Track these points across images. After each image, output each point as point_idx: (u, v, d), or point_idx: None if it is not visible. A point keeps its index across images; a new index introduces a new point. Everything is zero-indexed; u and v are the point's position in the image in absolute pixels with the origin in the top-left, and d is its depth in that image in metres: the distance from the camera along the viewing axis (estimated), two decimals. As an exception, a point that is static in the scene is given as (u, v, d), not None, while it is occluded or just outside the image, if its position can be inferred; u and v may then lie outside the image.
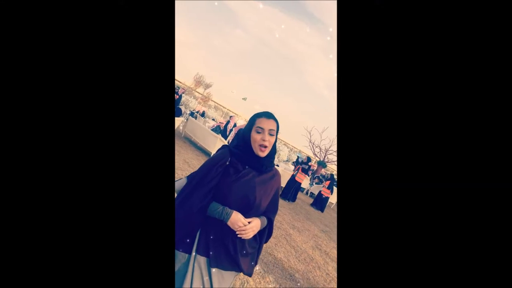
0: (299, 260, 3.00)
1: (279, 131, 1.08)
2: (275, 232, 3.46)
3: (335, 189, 8.56)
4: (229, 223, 0.95)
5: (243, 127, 1.16)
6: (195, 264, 0.96)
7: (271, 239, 3.12)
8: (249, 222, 0.98)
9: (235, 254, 0.99)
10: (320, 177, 11.27)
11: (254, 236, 1.04)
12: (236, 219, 0.95)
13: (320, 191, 7.49)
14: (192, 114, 9.20)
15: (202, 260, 0.97)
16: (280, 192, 1.13)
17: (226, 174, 0.99)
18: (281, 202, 5.73)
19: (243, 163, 1.02)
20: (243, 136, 1.05)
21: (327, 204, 8.88)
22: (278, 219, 4.20)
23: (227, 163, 1.02)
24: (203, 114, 11.22)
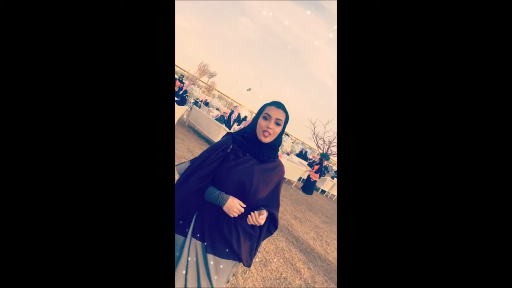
0: (300, 250, 3.04)
1: (287, 124, 1.06)
2: (277, 222, 3.49)
3: (334, 179, 8.51)
4: (225, 208, 0.94)
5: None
6: (191, 249, 0.97)
7: (273, 229, 3.15)
8: (244, 208, 0.97)
9: (230, 239, 0.98)
10: (323, 169, 11.26)
11: (253, 225, 1.02)
12: (232, 205, 0.94)
13: (309, 175, 7.43)
14: (196, 103, 9.18)
15: (198, 244, 0.97)
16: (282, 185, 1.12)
17: (226, 159, 0.99)
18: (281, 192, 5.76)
19: (244, 150, 1.01)
20: (251, 124, 1.05)
21: (329, 196, 8.92)
22: (280, 210, 4.23)
23: (229, 149, 1.01)
24: (206, 104, 11.16)
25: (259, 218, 0.96)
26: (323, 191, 9.00)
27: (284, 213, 4.20)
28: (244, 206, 0.97)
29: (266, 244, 2.71)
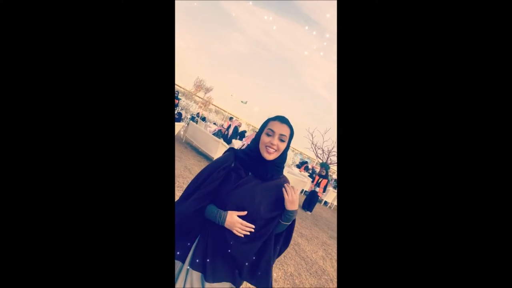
0: (310, 273, 2.80)
1: (292, 138, 0.98)
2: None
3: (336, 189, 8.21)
4: (226, 226, 0.90)
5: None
6: (187, 279, 0.89)
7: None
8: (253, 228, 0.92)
9: (242, 261, 0.92)
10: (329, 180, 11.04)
11: (265, 245, 0.96)
12: (233, 221, 0.89)
13: (314, 191, 6.90)
14: (193, 118, 9.02)
15: (195, 275, 0.89)
16: None
17: (228, 179, 0.94)
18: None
19: (246, 169, 0.96)
20: (254, 140, 0.97)
21: (333, 208, 8.66)
22: (285, 227, 4.01)
23: (232, 165, 0.96)
24: (203, 119, 11.01)
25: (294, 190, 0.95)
26: (326, 203, 8.76)
27: (290, 231, 3.97)
28: (252, 226, 0.91)
29: (273, 270, 2.48)
